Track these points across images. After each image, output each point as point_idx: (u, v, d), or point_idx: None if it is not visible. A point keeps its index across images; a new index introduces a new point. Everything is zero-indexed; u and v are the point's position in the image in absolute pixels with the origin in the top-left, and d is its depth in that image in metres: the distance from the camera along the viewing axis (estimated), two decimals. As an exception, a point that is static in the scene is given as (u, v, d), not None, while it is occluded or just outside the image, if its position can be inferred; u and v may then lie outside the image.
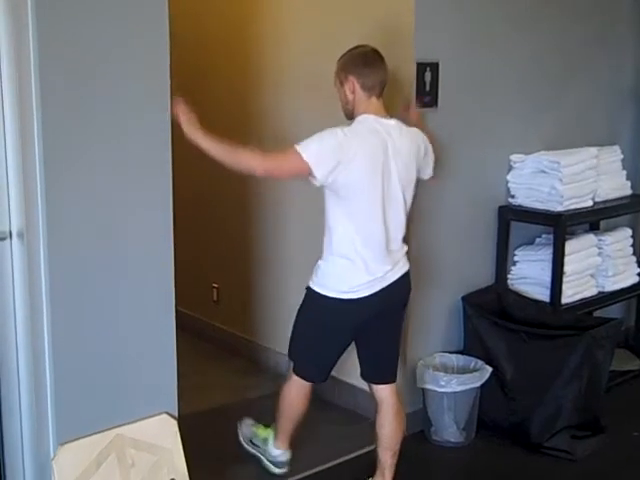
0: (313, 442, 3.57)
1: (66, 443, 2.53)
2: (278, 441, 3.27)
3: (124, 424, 2.66)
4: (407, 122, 3.00)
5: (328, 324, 2.96)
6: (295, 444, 3.33)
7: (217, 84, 4.45)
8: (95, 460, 2.57)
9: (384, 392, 3.07)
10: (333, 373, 3.46)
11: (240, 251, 4.49)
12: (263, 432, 3.35)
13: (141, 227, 2.65)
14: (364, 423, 3.22)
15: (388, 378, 3.08)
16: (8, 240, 2.53)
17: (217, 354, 4.55)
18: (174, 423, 2.76)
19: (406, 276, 3.00)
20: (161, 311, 2.74)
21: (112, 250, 2.60)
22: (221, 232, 4.67)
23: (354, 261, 2.84)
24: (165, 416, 2.75)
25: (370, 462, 3.18)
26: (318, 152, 2.73)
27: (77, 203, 2.49)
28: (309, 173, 2.73)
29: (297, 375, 3.12)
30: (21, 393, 2.62)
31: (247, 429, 3.43)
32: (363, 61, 2.86)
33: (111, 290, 2.61)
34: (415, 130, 2.98)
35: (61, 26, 2.38)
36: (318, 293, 2.92)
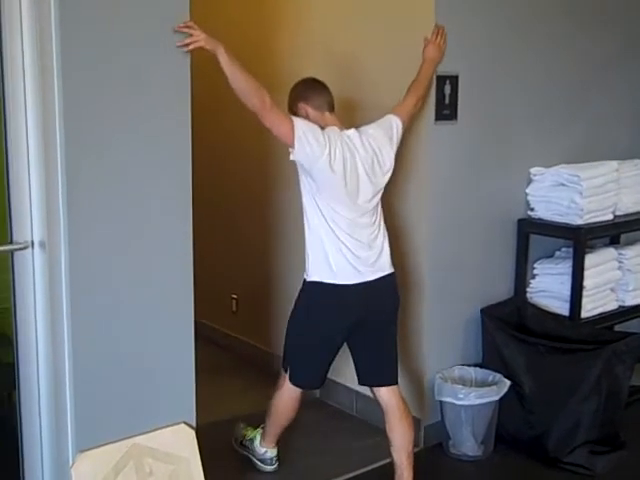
0: (330, 453, 3.59)
1: (85, 451, 2.55)
2: (264, 441, 3.41)
3: (142, 433, 2.67)
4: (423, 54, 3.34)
5: (317, 319, 3.07)
6: (312, 455, 3.31)
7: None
8: (113, 468, 2.58)
9: (386, 395, 3.15)
10: (351, 385, 3.46)
11: (259, 262, 4.50)
12: (251, 433, 3.49)
13: (161, 238, 2.67)
14: (382, 435, 3.21)
15: (386, 380, 3.15)
16: (30, 249, 2.56)
17: (235, 364, 4.57)
18: (192, 433, 2.77)
19: (390, 279, 3.10)
20: (180, 321, 2.76)
21: (132, 261, 2.62)
22: (240, 243, 4.69)
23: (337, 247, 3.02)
24: (183, 426, 2.76)
25: (386, 475, 3.18)
26: (306, 133, 2.88)
27: (98, 213, 2.52)
28: (290, 142, 2.87)
29: (294, 384, 3.20)
30: (41, 401, 2.64)
31: (238, 431, 3.57)
32: (305, 87, 3.14)
33: (131, 300, 2.63)
34: (374, 134, 3.08)
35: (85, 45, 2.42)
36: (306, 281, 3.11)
